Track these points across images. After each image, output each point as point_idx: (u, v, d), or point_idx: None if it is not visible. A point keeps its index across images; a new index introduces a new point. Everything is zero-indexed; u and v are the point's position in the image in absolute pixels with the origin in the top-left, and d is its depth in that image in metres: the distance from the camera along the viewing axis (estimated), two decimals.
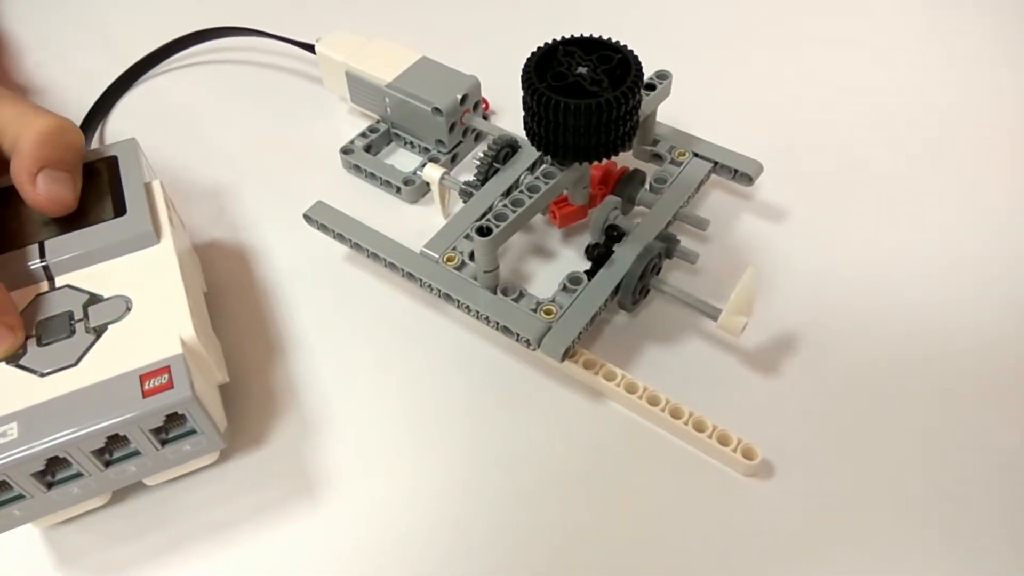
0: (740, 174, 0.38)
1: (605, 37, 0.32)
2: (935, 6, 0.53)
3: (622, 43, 0.31)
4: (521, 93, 0.31)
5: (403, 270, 0.34)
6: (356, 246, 0.36)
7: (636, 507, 0.30)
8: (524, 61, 0.31)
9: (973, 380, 0.33)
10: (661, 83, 0.39)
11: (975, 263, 0.38)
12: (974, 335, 0.35)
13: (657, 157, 0.40)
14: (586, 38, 0.32)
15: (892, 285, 0.37)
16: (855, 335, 0.35)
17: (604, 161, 0.32)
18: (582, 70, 0.31)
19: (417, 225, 0.40)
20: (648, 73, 0.38)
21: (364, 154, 0.43)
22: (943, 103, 0.46)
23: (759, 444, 0.30)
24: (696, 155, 0.39)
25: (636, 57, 0.31)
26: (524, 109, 0.32)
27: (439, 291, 0.34)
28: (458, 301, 0.33)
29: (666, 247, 0.34)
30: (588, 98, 0.29)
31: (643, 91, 0.32)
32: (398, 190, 0.41)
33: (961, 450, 0.31)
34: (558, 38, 0.32)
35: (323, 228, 0.37)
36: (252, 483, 0.31)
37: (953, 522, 0.29)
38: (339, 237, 0.36)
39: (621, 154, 0.32)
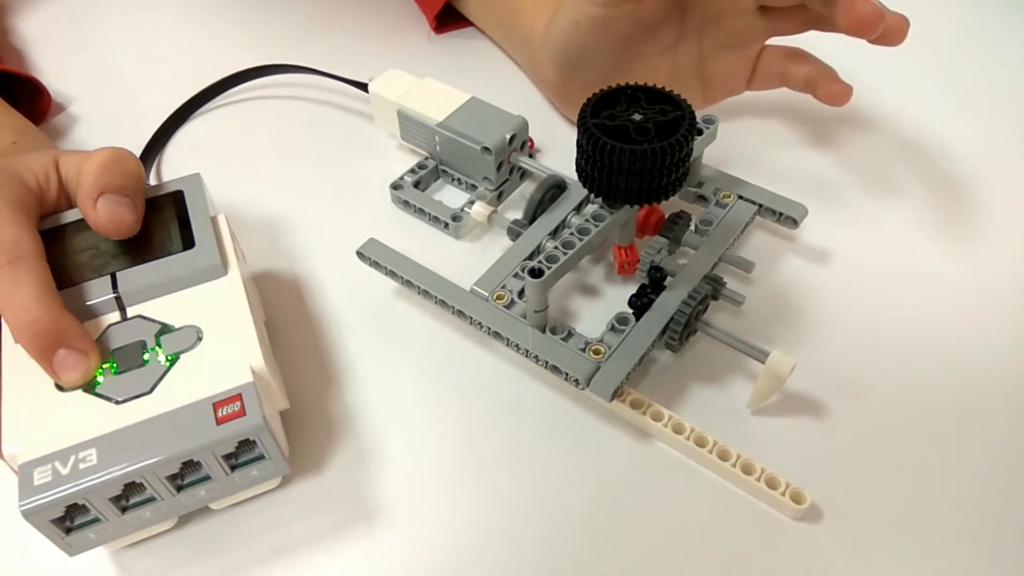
0: (785, 217, 0.39)
1: (667, 89, 0.33)
2: (979, 44, 0.54)
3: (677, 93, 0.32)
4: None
5: (453, 307, 0.35)
6: (407, 283, 0.37)
7: (682, 548, 0.31)
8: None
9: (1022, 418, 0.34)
10: (708, 127, 0.39)
11: (1019, 302, 0.38)
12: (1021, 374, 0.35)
13: (702, 199, 0.41)
14: (648, 87, 0.33)
15: (937, 324, 0.37)
16: (901, 375, 0.36)
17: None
18: (636, 117, 0.32)
19: (463, 260, 0.41)
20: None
21: (413, 190, 0.44)
22: (988, 146, 0.47)
23: (807, 487, 0.31)
24: (741, 198, 0.40)
25: (691, 109, 0.32)
26: (577, 150, 0.33)
27: (489, 329, 0.35)
28: (507, 339, 0.34)
29: (712, 289, 0.35)
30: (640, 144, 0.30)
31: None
32: (446, 225, 0.43)
33: (1015, 490, 0.32)
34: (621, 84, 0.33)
35: (375, 265, 0.38)
36: (311, 508, 0.32)
37: (1009, 568, 0.30)
38: (391, 274, 0.37)
39: None
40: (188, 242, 0.33)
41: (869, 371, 0.36)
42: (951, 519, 0.31)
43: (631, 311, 0.35)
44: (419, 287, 0.36)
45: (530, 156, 0.46)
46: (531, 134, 0.44)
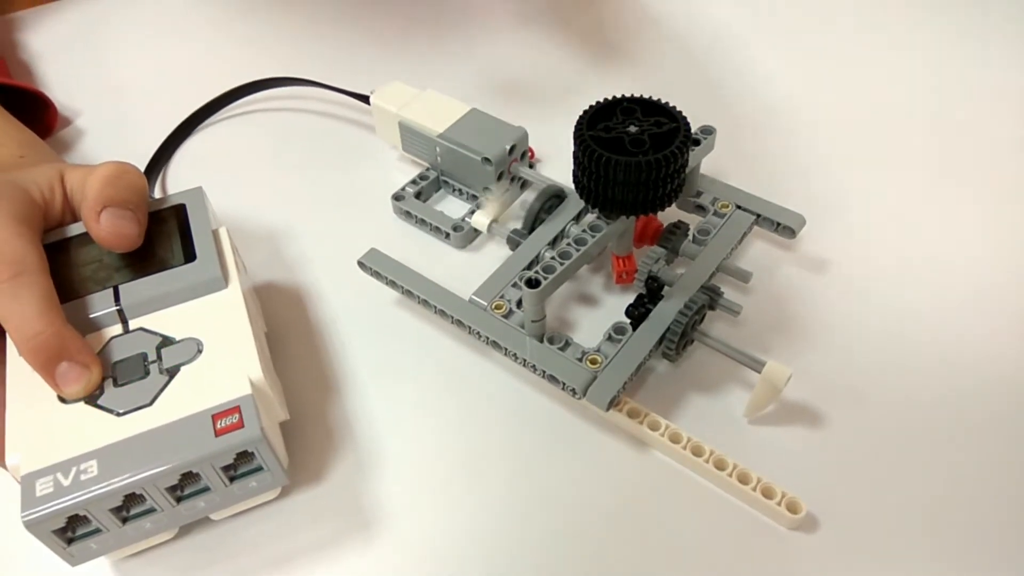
0: (783, 227, 0.39)
1: (663, 100, 0.33)
2: (976, 56, 0.54)
3: (673, 104, 0.32)
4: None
5: (452, 317, 0.36)
6: (408, 292, 0.37)
7: (678, 557, 0.31)
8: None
9: (1021, 426, 0.34)
10: (706, 138, 0.40)
11: (1020, 312, 0.38)
12: (1020, 383, 0.35)
13: (700, 208, 0.41)
14: (644, 99, 0.33)
15: (935, 334, 0.37)
16: (898, 385, 0.36)
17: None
18: (632, 128, 0.32)
19: (464, 270, 0.41)
20: (693, 126, 0.39)
21: (414, 200, 0.45)
22: (988, 151, 0.47)
23: (803, 496, 0.31)
24: (739, 207, 0.40)
25: (688, 123, 0.32)
26: (574, 162, 0.33)
27: (487, 338, 0.35)
28: (505, 349, 0.34)
29: (710, 299, 0.35)
30: (635, 156, 0.31)
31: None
32: (447, 236, 0.43)
33: (1014, 499, 0.32)
34: (619, 95, 0.33)
35: (376, 275, 0.38)
36: (310, 518, 0.32)
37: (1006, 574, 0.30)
38: (391, 283, 0.38)
39: None
40: (190, 255, 0.33)
41: (866, 381, 0.36)
42: (947, 529, 0.31)
43: (628, 321, 0.35)
44: (419, 297, 0.37)
45: (531, 166, 0.46)
46: (531, 144, 0.45)
